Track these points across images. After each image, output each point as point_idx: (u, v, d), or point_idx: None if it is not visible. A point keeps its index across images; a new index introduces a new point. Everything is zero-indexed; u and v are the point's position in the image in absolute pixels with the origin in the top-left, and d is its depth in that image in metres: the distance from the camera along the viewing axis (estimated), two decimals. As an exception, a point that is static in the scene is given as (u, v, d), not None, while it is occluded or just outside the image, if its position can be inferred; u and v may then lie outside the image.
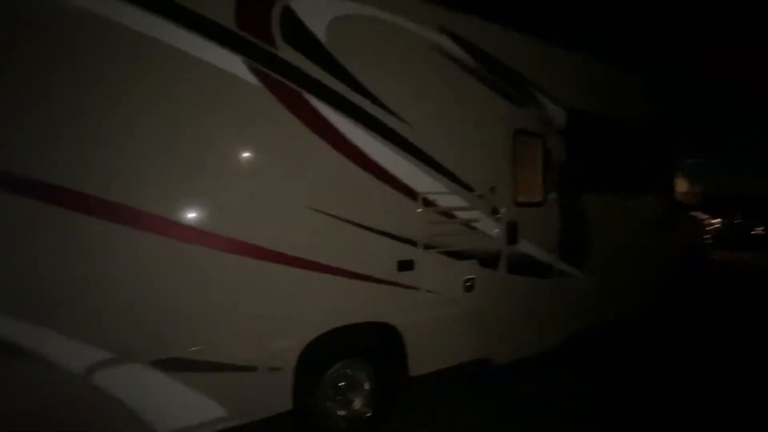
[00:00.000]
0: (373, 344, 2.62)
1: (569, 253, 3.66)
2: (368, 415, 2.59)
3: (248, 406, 2.17)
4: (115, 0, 1.84)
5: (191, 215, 2.05)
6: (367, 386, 2.61)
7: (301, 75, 2.28)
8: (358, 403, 2.59)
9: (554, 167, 3.54)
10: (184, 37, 1.97)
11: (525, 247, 3.31)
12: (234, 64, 2.09)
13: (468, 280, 2.98)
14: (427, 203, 2.75)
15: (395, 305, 2.63)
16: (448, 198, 2.88)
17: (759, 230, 14.07)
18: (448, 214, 2.89)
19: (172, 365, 1.96)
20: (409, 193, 2.67)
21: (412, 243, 2.68)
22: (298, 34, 2.28)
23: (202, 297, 2.07)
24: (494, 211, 3.12)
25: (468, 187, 2.97)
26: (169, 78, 1.99)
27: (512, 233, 3.21)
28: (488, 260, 3.11)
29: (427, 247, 2.74)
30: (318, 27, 2.35)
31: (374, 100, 2.52)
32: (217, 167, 2.12)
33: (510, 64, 3.27)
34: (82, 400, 1.79)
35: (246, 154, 2.22)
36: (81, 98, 1.81)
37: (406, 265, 2.65)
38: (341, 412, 2.53)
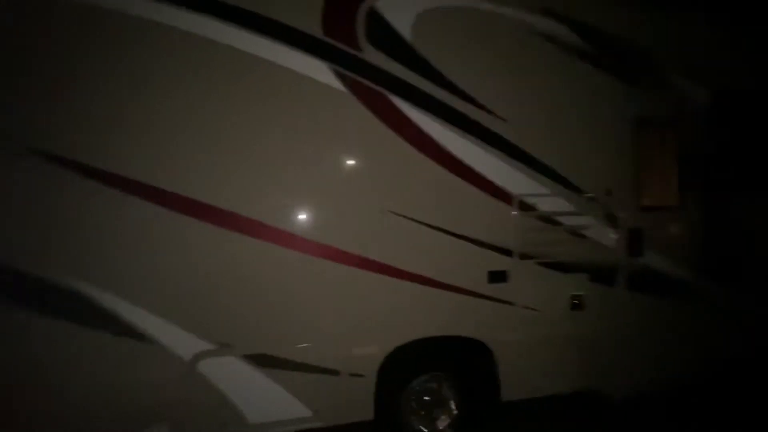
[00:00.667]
0: (460, 360, 2.43)
1: (713, 267, 2.89)
2: (453, 436, 2.40)
3: (330, 410, 2.18)
4: (222, 23, 2.01)
5: (283, 220, 2.12)
6: (453, 405, 2.42)
7: (386, 76, 2.22)
8: (443, 422, 2.42)
9: (693, 162, 2.83)
10: (276, 49, 2.07)
11: (652, 259, 2.72)
12: (320, 70, 2.13)
13: (575, 297, 2.56)
14: (525, 207, 2.44)
15: (486, 320, 2.39)
16: (550, 201, 2.52)
17: None
18: (550, 219, 2.53)
19: (262, 361, 2.06)
20: (503, 196, 2.40)
21: (506, 252, 2.40)
22: (382, 34, 2.22)
23: (291, 299, 2.13)
24: (611, 217, 2.63)
25: (576, 189, 2.56)
26: (259, 89, 2.10)
27: (635, 243, 2.67)
28: (602, 275, 2.64)
29: (524, 257, 2.43)
30: (403, 25, 2.26)
31: (464, 97, 2.34)
32: (307, 173, 2.17)
33: (630, 42, 2.71)
34: (187, 383, 1.98)
35: (332, 160, 2.23)
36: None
37: (498, 277, 2.39)
38: (424, 429, 2.38)
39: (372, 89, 2.20)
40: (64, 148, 1.83)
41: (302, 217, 2.17)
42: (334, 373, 2.16)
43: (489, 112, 2.37)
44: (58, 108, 1.85)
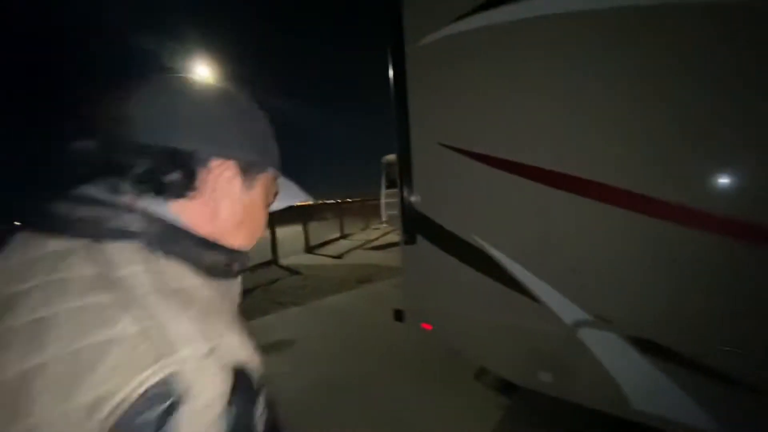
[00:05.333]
0: None
1: None
2: None
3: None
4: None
5: (707, 199, 1.72)
6: None
7: None
8: None
9: None
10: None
11: None
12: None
13: None
14: None
15: None
16: None
17: None
18: None
19: (650, 348, 1.89)
20: None
21: None
22: None
23: (715, 292, 1.74)
24: None
25: None
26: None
27: None
28: None
29: None
30: None
31: None
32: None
33: None
34: (568, 344, 2.11)
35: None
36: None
37: None
38: None
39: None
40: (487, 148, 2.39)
41: (723, 192, 1.68)
42: (756, 392, 1.67)
43: None
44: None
